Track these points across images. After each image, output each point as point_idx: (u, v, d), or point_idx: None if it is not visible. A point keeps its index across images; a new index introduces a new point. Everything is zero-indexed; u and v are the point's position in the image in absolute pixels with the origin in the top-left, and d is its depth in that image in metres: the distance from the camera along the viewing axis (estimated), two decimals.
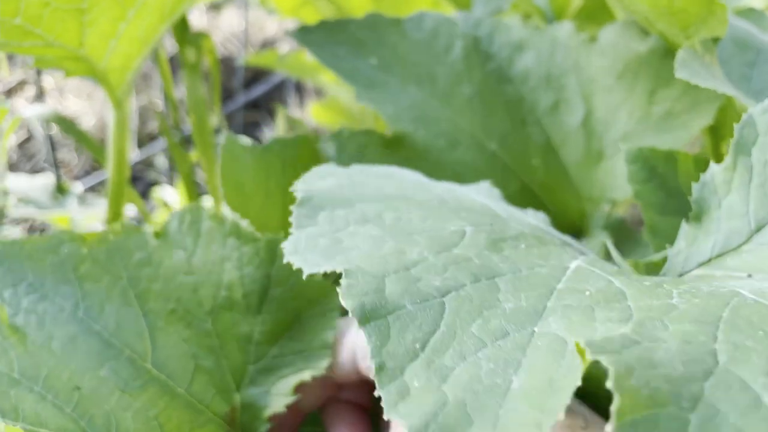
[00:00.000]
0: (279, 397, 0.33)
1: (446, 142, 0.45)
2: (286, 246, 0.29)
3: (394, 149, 0.43)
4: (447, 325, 0.23)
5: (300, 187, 0.33)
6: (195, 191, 0.74)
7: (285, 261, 0.29)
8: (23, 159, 1.23)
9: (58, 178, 0.85)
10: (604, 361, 0.18)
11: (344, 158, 0.42)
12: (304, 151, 0.44)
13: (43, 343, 0.32)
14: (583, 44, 0.49)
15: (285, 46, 1.50)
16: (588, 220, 0.50)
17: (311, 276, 0.28)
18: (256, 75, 1.42)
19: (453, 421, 0.20)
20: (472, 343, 0.22)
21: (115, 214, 0.59)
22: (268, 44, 1.52)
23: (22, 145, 1.26)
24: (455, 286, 0.25)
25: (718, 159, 0.40)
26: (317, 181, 0.34)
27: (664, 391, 0.17)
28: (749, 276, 0.30)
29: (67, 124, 0.70)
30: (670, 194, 0.40)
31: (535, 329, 0.22)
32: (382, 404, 0.21)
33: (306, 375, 0.33)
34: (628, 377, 0.17)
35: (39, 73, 0.89)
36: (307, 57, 0.89)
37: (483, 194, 0.37)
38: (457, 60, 0.49)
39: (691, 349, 0.19)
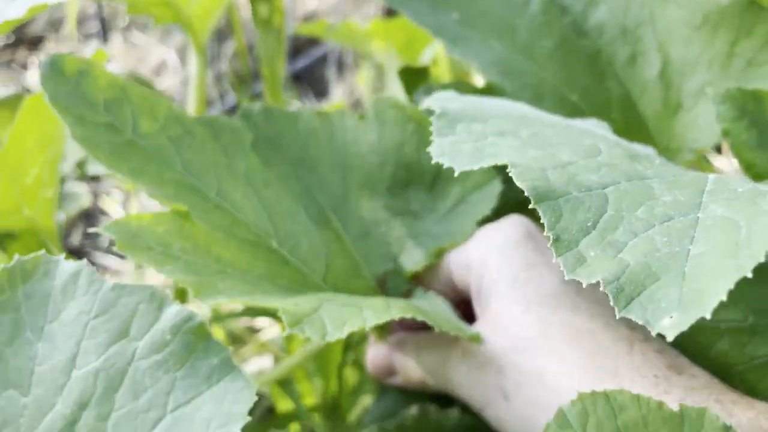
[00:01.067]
0: (419, 263, 0.40)
1: (532, 95, 0.47)
2: (432, 150, 0.31)
3: (485, 95, 0.46)
4: (614, 209, 0.25)
5: (435, 103, 0.35)
6: None
7: (434, 161, 0.31)
8: None
9: None
10: None
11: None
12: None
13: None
14: None
15: (328, 20, 1.52)
16: None
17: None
18: (297, 49, 1.43)
19: (639, 277, 0.22)
20: (641, 224, 0.24)
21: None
22: (309, 18, 1.54)
23: None
24: (612, 182, 0.27)
25: None
26: (446, 102, 0.36)
27: None
28: None
29: (144, 82, 0.72)
30: (762, 130, 0.42)
31: (699, 215, 0.24)
32: (562, 269, 0.23)
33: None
34: None
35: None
36: (357, 26, 0.91)
37: (594, 126, 0.39)
38: (536, 13, 0.51)
39: None
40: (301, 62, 1.39)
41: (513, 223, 0.37)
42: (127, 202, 1.09)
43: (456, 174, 0.30)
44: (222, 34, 1.31)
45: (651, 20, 0.51)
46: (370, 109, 0.44)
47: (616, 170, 0.28)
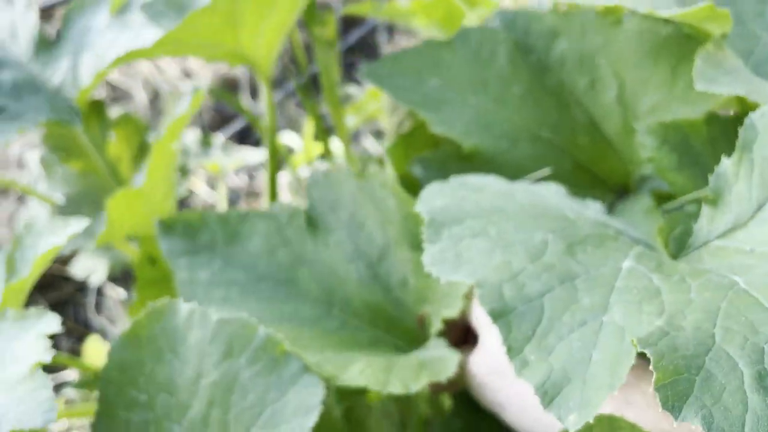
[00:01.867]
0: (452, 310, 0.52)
1: (508, 142, 0.57)
2: (425, 259, 0.43)
3: (468, 161, 0.56)
4: (547, 318, 0.37)
5: (423, 209, 0.46)
6: (325, 134, 0.88)
7: (426, 270, 0.43)
8: (155, 115, 1.41)
9: (204, 131, 1.02)
10: (647, 352, 0.32)
11: (430, 175, 0.55)
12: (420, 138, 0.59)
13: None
14: (610, 26, 0.58)
15: None
16: (632, 179, 0.62)
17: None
18: (351, 22, 1.51)
19: (558, 380, 0.34)
20: (565, 329, 0.36)
21: (273, 165, 0.75)
22: None
23: (152, 102, 1.42)
24: (549, 289, 0.39)
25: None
26: (432, 200, 0.47)
27: (682, 367, 0.31)
28: (751, 251, 0.43)
29: (225, 94, 0.84)
30: (681, 154, 0.51)
31: (604, 319, 0.36)
32: (513, 370, 0.36)
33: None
34: (660, 360, 0.31)
35: None
36: (400, 4, 0.98)
37: (552, 193, 0.49)
38: (503, 64, 0.59)
39: (698, 335, 0.33)
40: (354, 35, 1.45)
41: None
42: (214, 182, 1.26)
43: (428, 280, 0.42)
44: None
45: (605, 47, 0.58)
46: (384, 182, 0.55)
47: (553, 273, 0.40)
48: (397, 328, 0.56)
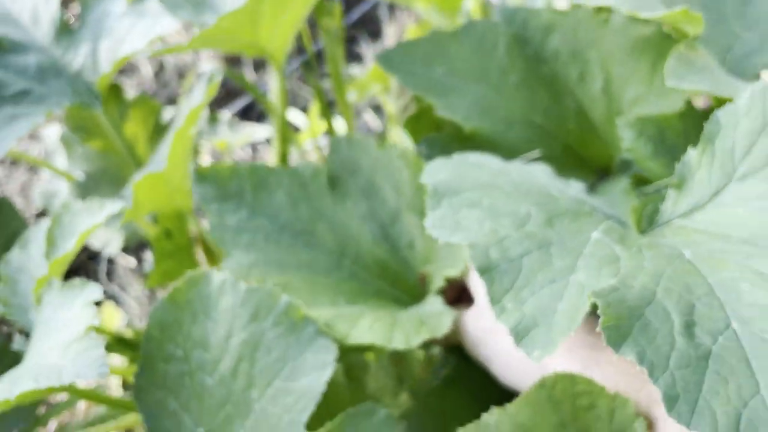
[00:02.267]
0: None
1: (504, 126, 0.64)
2: (426, 223, 0.51)
3: (468, 141, 0.63)
4: (524, 275, 0.45)
5: (427, 181, 0.54)
6: (329, 113, 0.95)
7: (427, 231, 0.51)
8: (160, 87, 1.46)
9: (210, 107, 1.09)
10: (598, 302, 0.40)
11: (434, 153, 0.62)
12: (424, 125, 0.66)
13: None
14: (599, 24, 0.65)
15: None
16: (614, 162, 0.69)
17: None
18: (351, 2, 1.56)
19: (529, 324, 0.43)
20: (538, 285, 0.44)
21: (282, 146, 0.82)
22: None
23: (157, 74, 1.48)
24: (527, 252, 0.47)
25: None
26: (436, 174, 0.55)
27: (626, 314, 0.39)
28: (704, 230, 0.50)
29: (232, 73, 0.90)
30: (656, 144, 0.59)
31: (570, 278, 0.44)
32: (494, 314, 0.44)
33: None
34: (608, 307, 0.39)
35: None
36: None
37: (541, 173, 0.57)
38: (502, 54, 0.66)
39: (643, 292, 0.41)
40: (356, 13, 1.51)
41: None
42: (218, 156, 1.33)
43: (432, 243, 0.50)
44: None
45: (595, 43, 0.65)
46: (403, 154, 0.63)
47: (533, 240, 0.48)
48: (401, 283, 0.65)
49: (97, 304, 0.54)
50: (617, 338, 0.38)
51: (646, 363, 0.37)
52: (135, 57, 0.96)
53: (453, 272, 0.60)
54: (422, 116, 0.66)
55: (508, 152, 0.64)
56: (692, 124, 0.62)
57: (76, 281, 0.56)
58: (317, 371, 0.52)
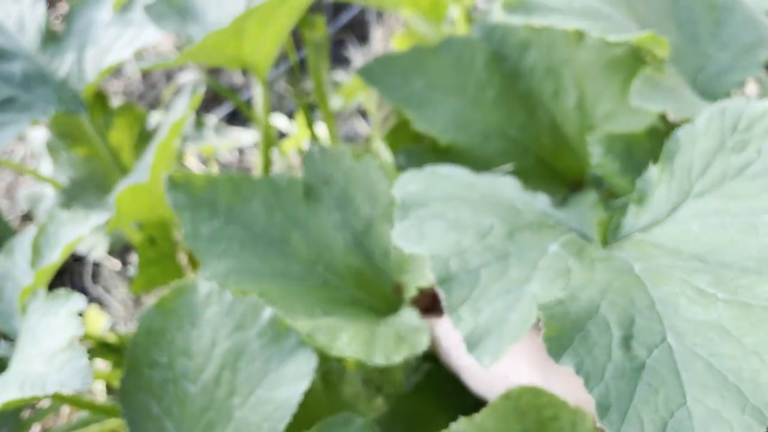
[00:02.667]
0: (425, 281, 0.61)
1: (480, 138, 0.66)
2: (393, 234, 0.53)
3: (444, 153, 0.65)
4: (481, 286, 0.47)
5: (397, 194, 0.56)
6: (311, 119, 0.97)
7: (394, 242, 0.53)
8: (148, 89, 1.49)
9: (196, 112, 1.11)
10: (541, 313, 0.42)
11: (412, 164, 0.64)
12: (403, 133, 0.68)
13: None
14: (574, 41, 0.67)
15: None
16: (586, 176, 0.71)
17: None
18: (339, 6, 1.58)
19: (482, 332, 0.45)
20: (494, 295, 0.46)
21: (265, 156, 0.84)
22: None
23: (145, 76, 1.51)
24: (486, 263, 0.49)
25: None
26: (405, 186, 0.57)
27: (568, 327, 0.41)
28: (660, 245, 0.52)
29: (216, 84, 0.93)
30: (623, 161, 0.61)
31: (524, 289, 0.46)
32: (451, 323, 0.46)
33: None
34: (550, 319, 0.41)
35: None
36: None
37: (510, 186, 0.59)
38: (480, 69, 0.68)
39: (588, 305, 0.43)
40: (345, 16, 1.53)
41: None
42: (205, 158, 1.35)
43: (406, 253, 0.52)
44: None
45: (569, 61, 0.67)
46: (382, 166, 0.65)
47: (492, 252, 0.50)
48: (376, 292, 0.67)
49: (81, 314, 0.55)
50: (558, 349, 0.40)
51: (583, 373, 0.39)
52: (121, 66, 0.98)
53: (425, 282, 0.62)
54: (401, 129, 0.68)
55: (484, 164, 0.66)
56: (660, 141, 0.64)
57: (62, 291, 0.58)
58: (297, 381, 0.53)
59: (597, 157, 0.60)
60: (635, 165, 0.62)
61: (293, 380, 0.54)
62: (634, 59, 0.63)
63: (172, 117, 0.68)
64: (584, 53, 0.65)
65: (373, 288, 0.66)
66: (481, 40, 0.67)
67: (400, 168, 0.65)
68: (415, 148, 0.65)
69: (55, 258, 0.62)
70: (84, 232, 0.62)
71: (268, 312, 0.55)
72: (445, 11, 0.98)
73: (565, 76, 0.66)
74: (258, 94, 0.81)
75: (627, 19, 0.64)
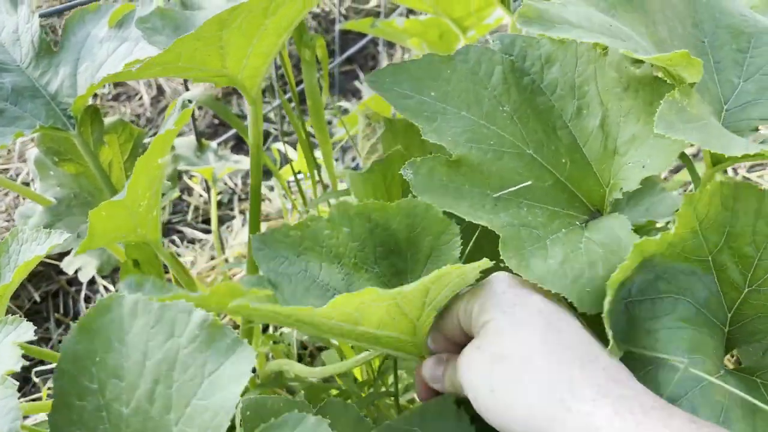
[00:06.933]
0: None
1: (494, 155, 0.60)
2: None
3: (455, 168, 0.59)
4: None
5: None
6: (310, 148, 0.92)
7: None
8: (157, 113, 1.46)
9: (198, 136, 1.07)
10: None
11: (419, 178, 0.58)
12: (396, 166, 0.62)
13: None
14: (599, 56, 0.62)
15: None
16: (606, 201, 0.65)
17: None
18: (347, 33, 1.58)
19: None
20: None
21: (256, 179, 0.78)
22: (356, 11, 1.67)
23: (155, 100, 1.49)
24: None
25: None
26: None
27: None
28: None
29: (216, 105, 0.88)
30: None
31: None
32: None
33: None
34: None
35: None
36: (397, 24, 1.04)
37: None
38: (497, 83, 0.63)
39: None
40: (353, 47, 1.52)
41: (498, 278, 0.54)
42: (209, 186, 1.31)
43: None
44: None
45: (594, 78, 0.63)
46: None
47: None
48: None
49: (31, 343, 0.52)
50: None
51: None
52: (128, 82, 0.94)
53: None
54: (393, 162, 0.63)
55: (498, 181, 0.61)
56: None
57: (9, 318, 0.54)
58: (233, 383, 0.47)
59: None
60: None
61: (230, 383, 0.48)
62: (655, 81, 0.59)
63: (160, 131, 0.63)
64: (610, 69, 0.61)
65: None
66: (500, 52, 0.63)
67: (407, 181, 0.60)
68: (423, 162, 0.59)
69: (8, 279, 0.58)
70: (41, 252, 0.58)
71: (198, 314, 0.49)
72: (454, 44, 0.96)
73: (590, 93, 0.62)
74: (249, 115, 0.76)
75: (646, 41, 0.60)
